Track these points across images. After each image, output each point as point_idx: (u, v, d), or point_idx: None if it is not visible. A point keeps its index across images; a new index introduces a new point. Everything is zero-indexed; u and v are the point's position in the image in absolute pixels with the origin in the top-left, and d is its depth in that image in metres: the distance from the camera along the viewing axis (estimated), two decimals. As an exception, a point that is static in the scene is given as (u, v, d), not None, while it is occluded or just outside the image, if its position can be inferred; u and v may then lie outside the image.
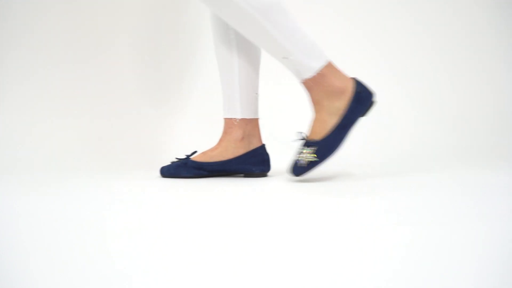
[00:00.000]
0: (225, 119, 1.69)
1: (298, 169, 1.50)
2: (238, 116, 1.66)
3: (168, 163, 1.75)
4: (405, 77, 2.33)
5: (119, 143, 2.16)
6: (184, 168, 1.66)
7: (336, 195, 1.40)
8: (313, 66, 1.50)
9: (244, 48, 1.65)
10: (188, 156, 1.68)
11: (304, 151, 1.48)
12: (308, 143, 1.49)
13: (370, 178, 1.63)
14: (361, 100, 1.52)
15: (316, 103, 1.52)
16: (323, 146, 1.47)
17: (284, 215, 1.16)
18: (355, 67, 2.30)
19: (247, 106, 1.66)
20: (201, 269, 0.82)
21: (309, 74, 1.50)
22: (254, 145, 1.68)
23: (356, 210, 1.20)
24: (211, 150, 1.68)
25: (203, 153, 1.68)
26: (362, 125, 2.19)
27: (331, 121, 1.50)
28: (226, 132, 1.68)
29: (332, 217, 1.14)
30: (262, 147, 1.68)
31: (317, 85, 1.51)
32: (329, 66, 1.52)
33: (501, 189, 1.45)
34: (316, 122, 1.51)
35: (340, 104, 1.51)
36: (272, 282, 0.77)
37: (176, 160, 1.70)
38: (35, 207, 1.26)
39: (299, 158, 1.48)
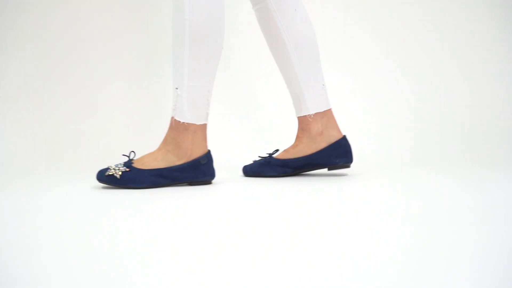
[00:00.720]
0: (299, 117, 1.69)
1: (100, 175, 1.48)
2: (311, 111, 1.66)
3: (250, 161, 1.74)
4: (405, 78, 2.33)
5: (123, 146, 2.15)
6: (268, 167, 1.66)
7: (336, 196, 1.40)
8: (185, 116, 1.50)
9: (298, 45, 1.64)
10: (270, 155, 1.68)
11: (119, 167, 1.48)
12: (127, 164, 1.49)
13: (370, 178, 1.63)
14: (196, 169, 1.51)
15: (164, 141, 1.52)
16: (132, 175, 1.47)
17: (288, 216, 1.16)
18: (355, 67, 2.30)
19: (316, 99, 1.66)
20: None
21: (178, 117, 1.50)
22: (335, 137, 1.67)
23: (357, 211, 1.20)
24: (292, 147, 1.68)
25: (285, 151, 1.68)
26: (362, 125, 2.20)
27: (158, 164, 1.50)
28: (303, 129, 1.67)
29: (334, 218, 1.14)
30: (344, 138, 1.67)
31: (176, 130, 1.51)
32: (199, 128, 1.51)
33: (503, 189, 1.44)
34: (150, 154, 1.52)
35: (176, 161, 1.50)
36: (276, 283, 0.77)
37: (259, 158, 1.70)
38: (37, 208, 1.26)
39: (110, 168, 1.48)
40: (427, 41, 2.34)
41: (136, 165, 1.49)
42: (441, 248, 0.90)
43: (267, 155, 1.69)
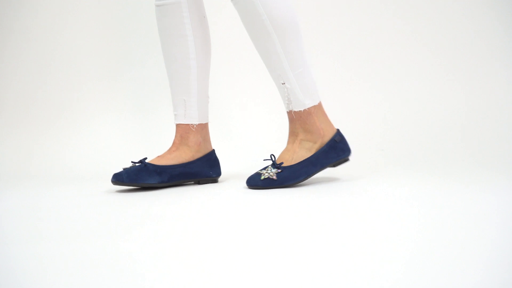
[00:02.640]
0: (179, 124, 1.62)
1: (255, 181, 1.51)
2: (195, 122, 1.62)
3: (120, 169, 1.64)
4: (406, 78, 2.32)
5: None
6: (145, 173, 1.55)
7: (335, 196, 1.41)
8: (304, 103, 1.54)
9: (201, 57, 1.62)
10: (143, 160, 1.57)
11: (270, 170, 1.51)
12: (275, 165, 1.52)
13: (371, 178, 1.63)
14: (336, 149, 1.57)
15: (292, 134, 1.57)
16: (288, 173, 1.51)
17: (292, 217, 1.18)
18: (356, 67, 2.30)
19: (203, 109, 1.64)
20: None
21: (297, 108, 1.55)
22: (209, 149, 1.65)
23: (358, 211, 1.21)
24: (168, 153, 1.62)
25: (160, 156, 1.61)
26: (362, 127, 2.19)
27: (302, 154, 1.54)
28: (182, 136, 1.62)
29: (334, 219, 1.15)
30: (213, 151, 1.66)
31: (300, 120, 1.55)
32: (318, 107, 1.57)
33: (504, 190, 1.45)
34: (286, 151, 1.56)
35: (314, 145, 1.55)
36: (278, 283, 0.77)
37: (132, 164, 1.59)
38: (42, 209, 1.28)
39: (261, 173, 1.51)
40: (428, 41, 2.34)
41: (283, 164, 1.52)
42: (443, 250, 0.91)
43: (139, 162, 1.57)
